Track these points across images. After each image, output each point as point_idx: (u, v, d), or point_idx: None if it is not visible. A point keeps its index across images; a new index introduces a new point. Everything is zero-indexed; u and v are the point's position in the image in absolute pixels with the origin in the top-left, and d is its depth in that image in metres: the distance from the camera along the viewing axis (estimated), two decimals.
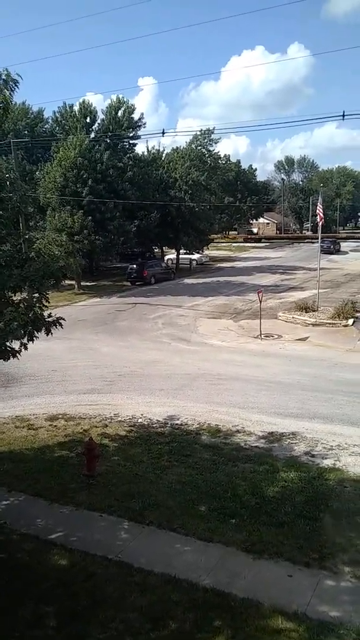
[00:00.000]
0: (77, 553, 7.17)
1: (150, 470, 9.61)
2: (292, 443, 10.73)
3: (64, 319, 8.18)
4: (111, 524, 7.96)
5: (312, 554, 7.01)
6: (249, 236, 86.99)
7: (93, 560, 6.99)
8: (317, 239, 31.18)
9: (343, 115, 17.48)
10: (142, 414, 12.53)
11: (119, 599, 6.22)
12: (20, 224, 10.12)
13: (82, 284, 35.40)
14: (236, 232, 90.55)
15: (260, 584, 6.45)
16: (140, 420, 12.19)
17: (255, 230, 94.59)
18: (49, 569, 6.89)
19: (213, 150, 45.66)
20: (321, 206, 27.54)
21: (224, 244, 74.17)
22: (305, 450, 10.37)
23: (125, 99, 42.38)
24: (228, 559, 7.02)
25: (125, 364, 17.36)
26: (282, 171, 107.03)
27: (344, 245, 64.15)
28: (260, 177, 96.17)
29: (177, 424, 11.89)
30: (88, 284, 37.19)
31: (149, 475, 9.42)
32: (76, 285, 34.38)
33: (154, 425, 11.88)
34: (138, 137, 42.73)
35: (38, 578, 6.66)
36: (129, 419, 12.30)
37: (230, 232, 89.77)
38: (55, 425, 11.99)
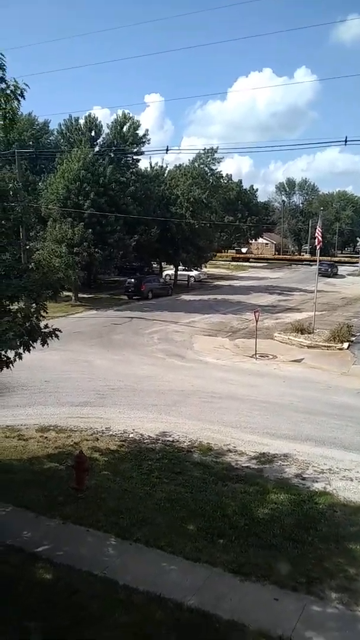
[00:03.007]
0: (62, 568, 7.06)
1: (140, 486, 9.54)
2: (283, 465, 10.69)
3: (60, 330, 8.18)
4: (98, 539, 7.87)
5: (299, 578, 6.94)
6: (237, 255, 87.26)
7: (78, 575, 6.89)
8: (315, 261, 31.37)
9: (345, 141, 17.79)
10: (133, 429, 12.47)
11: (103, 617, 6.14)
12: (21, 234, 10.16)
13: (79, 296, 35.45)
14: (234, 251, 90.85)
15: (246, 607, 6.38)
16: (131, 436, 12.13)
17: (244, 250, 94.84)
18: (34, 583, 6.79)
19: (215, 169, 46.12)
20: (320, 230, 27.78)
21: (223, 262, 74.50)
22: (296, 472, 10.33)
23: (130, 115, 43.03)
24: (214, 579, 6.94)
25: (119, 378, 17.31)
26: (282, 193, 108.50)
27: (341, 269, 64.61)
28: (261, 197, 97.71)
29: (168, 441, 11.83)
30: (85, 296, 37.23)
31: (138, 491, 9.34)
32: (73, 297, 34.42)
33: (145, 441, 11.82)
34: (142, 153, 43.30)
35: (22, 592, 6.56)
36: (121, 433, 12.24)
37: (229, 251, 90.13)
38: (46, 437, 11.91)
